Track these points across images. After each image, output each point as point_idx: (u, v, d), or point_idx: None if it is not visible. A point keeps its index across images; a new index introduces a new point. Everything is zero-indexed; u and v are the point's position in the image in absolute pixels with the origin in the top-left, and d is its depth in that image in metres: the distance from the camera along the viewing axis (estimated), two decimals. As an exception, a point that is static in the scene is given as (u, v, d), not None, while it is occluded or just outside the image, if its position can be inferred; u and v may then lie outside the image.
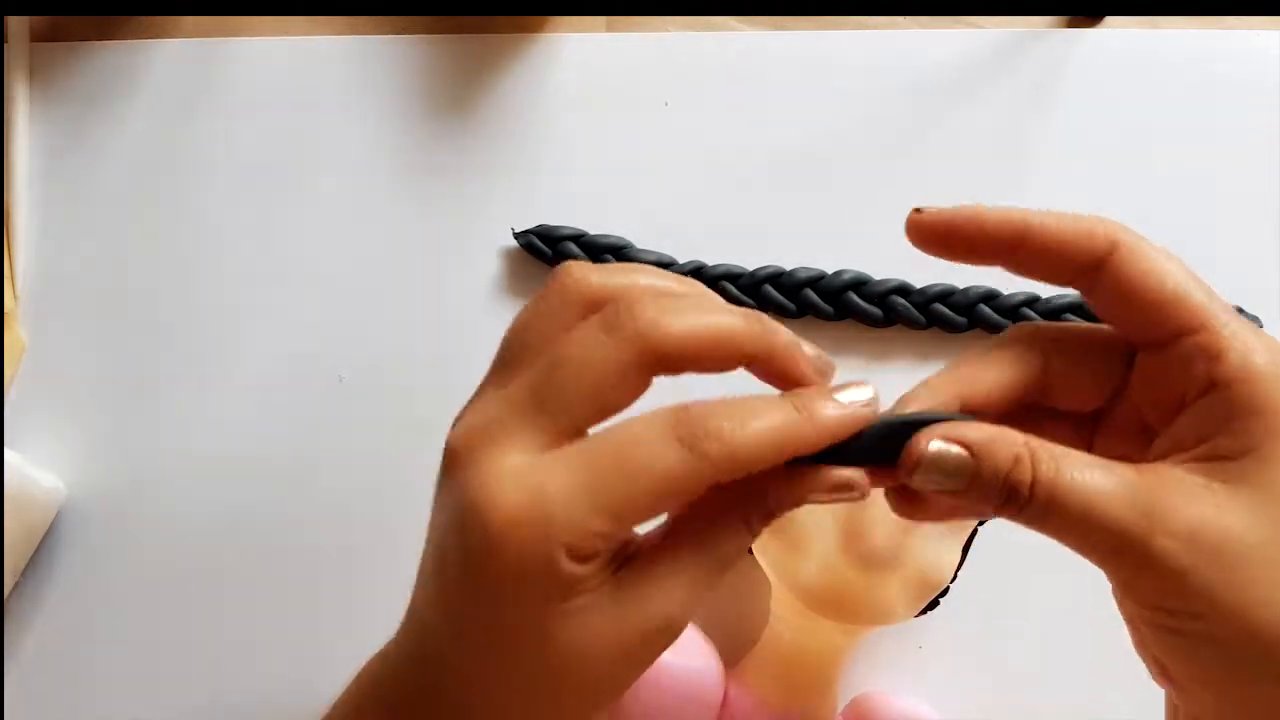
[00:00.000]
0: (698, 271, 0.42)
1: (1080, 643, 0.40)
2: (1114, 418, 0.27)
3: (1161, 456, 0.24)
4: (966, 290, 0.42)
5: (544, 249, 0.43)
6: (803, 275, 0.42)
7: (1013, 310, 0.42)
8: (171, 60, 0.45)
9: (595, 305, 0.24)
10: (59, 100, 0.45)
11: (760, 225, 0.43)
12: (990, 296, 0.42)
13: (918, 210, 0.27)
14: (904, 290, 0.42)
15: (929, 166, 0.44)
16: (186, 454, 0.42)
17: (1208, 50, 0.45)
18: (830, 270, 0.42)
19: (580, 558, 0.22)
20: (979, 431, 0.24)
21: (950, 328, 0.42)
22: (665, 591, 0.24)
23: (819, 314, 0.42)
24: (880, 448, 0.25)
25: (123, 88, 0.45)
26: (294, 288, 0.43)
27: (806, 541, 0.34)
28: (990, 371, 0.26)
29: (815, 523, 0.34)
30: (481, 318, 0.43)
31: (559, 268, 0.25)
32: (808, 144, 0.44)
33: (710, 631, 0.37)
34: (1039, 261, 0.27)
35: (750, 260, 0.43)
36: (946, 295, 0.42)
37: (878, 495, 0.33)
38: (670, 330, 0.23)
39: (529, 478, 0.22)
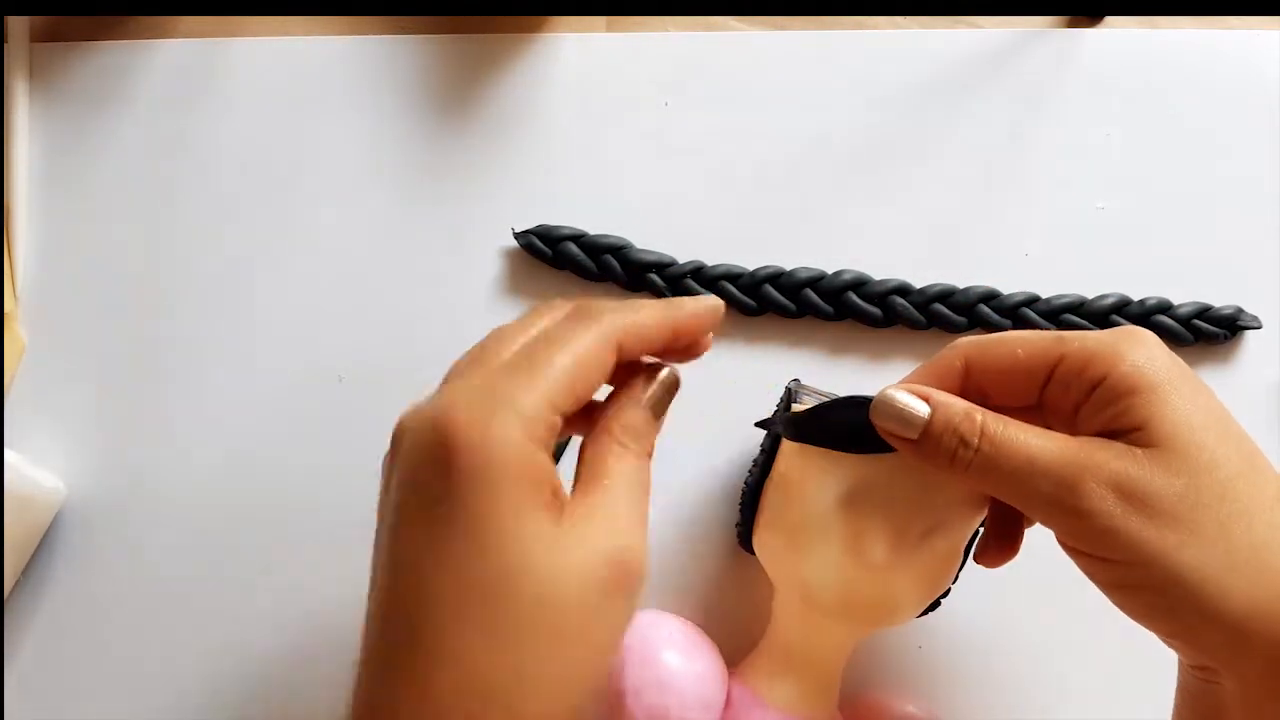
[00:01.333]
0: (698, 272, 0.42)
1: (1080, 643, 0.40)
2: (1047, 410, 0.31)
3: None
4: (966, 290, 0.42)
5: (544, 249, 0.43)
6: (803, 275, 0.42)
7: (1013, 310, 0.42)
8: (171, 60, 0.45)
9: (578, 314, 0.28)
10: (59, 100, 0.45)
11: (760, 225, 0.43)
12: (990, 296, 0.42)
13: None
14: (904, 290, 0.42)
15: (929, 166, 0.44)
16: (186, 454, 0.42)
17: (1208, 50, 0.45)
18: (830, 270, 0.42)
19: (537, 438, 0.24)
20: (939, 392, 0.30)
21: (950, 328, 0.42)
22: (610, 517, 0.26)
23: (819, 314, 0.42)
24: (843, 424, 0.32)
25: (123, 88, 0.45)
26: (294, 288, 0.43)
27: (809, 543, 0.34)
28: (928, 380, 0.31)
29: (818, 524, 0.34)
30: (481, 317, 0.43)
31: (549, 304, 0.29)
32: (807, 144, 0.44)
33: (712, 632, 0.37)
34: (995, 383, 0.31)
35: (750, 260, 0.43)
36: (946, 295, 0.42)
37: (881, 498, 0.33)
38: (630, 318, 0.28)
39: (480, 391, 0.25)
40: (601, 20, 0.46)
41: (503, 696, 0.23)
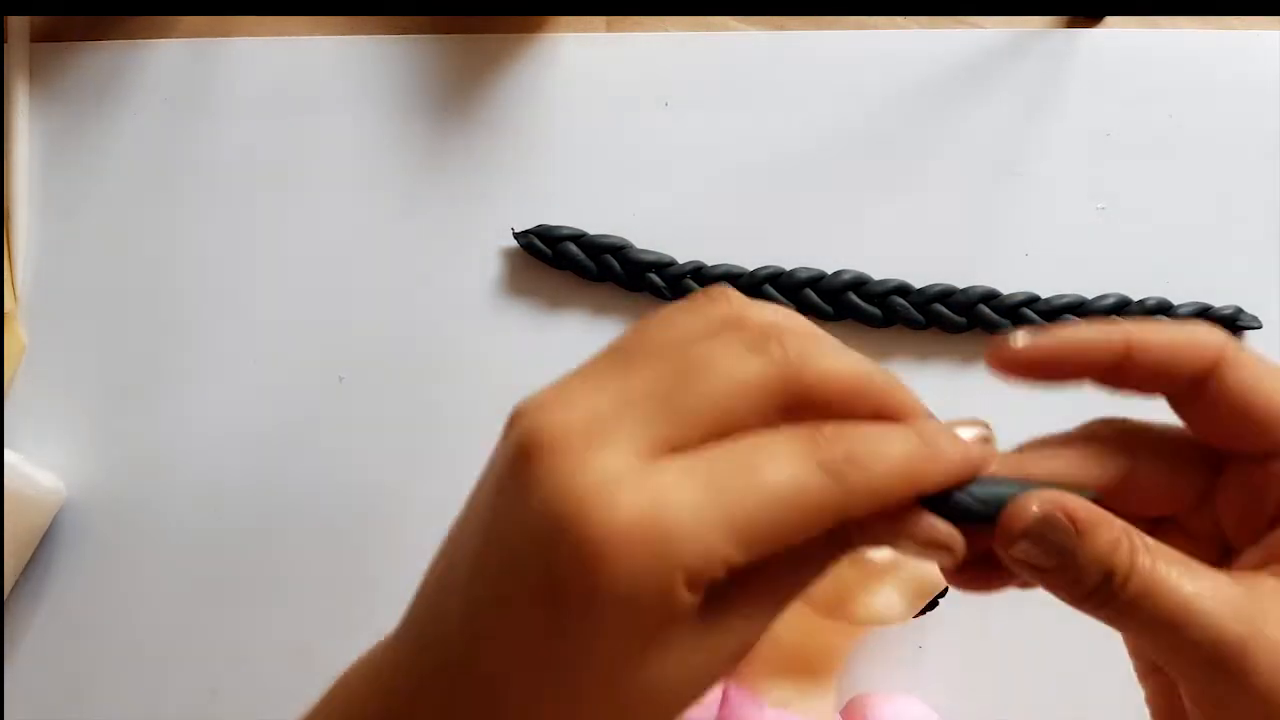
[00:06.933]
0: (698, 272, 0.42)
1: (1079, 643, 0.40)
2: (1186, 524, 0.24)
3: (1251, 570, 0.22)
4: (966, 290, 0.42)
5: (544, 249, 0.43)
6: (803, 275, 0.42)
7: (1012, 310, 0.42)
8: (170, 60, 0.45)
9: (744, 332, 0.21)
10: (59, 100, 0.45)
11: (760, 225, 0.43)
12: (990, 296, 0.42)
13: (1010, 344, 0.23)
14: (904, 290, 0.42)
15: (929, 167, 0.44)
16: (186, 454, 0.42)
17: (1208, 50, 0.45)
18: (830, 270, 0.42)
19: (696, 586, 0.19)
20: (1087, 508, 0.21)
21: (950, 328, 0.42)
22: (749, 619, 0.21)
23: (819, 314, 0.42)
24: (979, 510, 0.22)
25: (122, 88, 0.45)
26: (294, 288, 0.43)
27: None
28: (1074, 466, 0.23)
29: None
30: (482, 318, 0.43)
31: (714, 289, 0.23)
32: (807, 144, 0.44)
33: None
34: (1143, 378, 0.23)
35: (750, 260, 0.43)
36: (946, 295, 0.42)
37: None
38: (819, 365, 0.21)
39: (647, 486, 0.19)
40: (601, 20, 0.46)
41: None
